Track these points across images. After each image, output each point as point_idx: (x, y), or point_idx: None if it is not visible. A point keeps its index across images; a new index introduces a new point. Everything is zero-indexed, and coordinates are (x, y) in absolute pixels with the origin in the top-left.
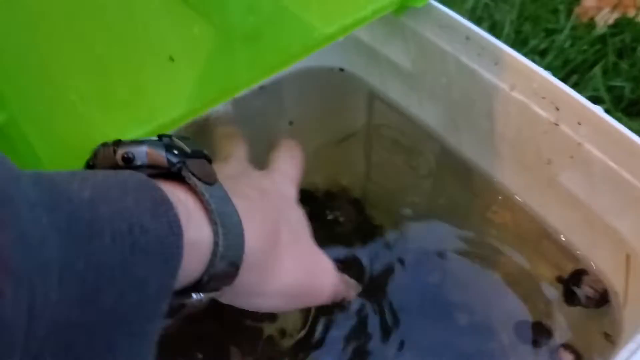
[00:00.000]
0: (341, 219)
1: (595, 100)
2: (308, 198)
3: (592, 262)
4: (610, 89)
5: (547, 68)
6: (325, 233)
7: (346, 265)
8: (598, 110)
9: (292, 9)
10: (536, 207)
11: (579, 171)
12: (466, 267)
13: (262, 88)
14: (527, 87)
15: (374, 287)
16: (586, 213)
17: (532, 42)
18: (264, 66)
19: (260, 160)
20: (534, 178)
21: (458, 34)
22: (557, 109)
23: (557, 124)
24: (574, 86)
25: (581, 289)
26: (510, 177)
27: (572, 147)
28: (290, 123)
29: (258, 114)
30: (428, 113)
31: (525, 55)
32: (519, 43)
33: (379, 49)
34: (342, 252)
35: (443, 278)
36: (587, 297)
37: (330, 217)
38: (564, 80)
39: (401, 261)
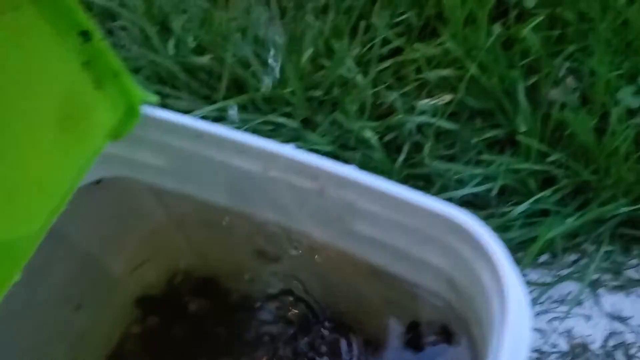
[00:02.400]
0: (197, 308)
1: (394, 53)
2: (153, 302)
3: (426, 290)
4: (398, 24)
5: None
6: (194, 330)
7: None
8: (351, 171)
9: None
10: (353, 250)
11: (366, 224)
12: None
13: None
14: (278, 166)
15: None
16: (395, 252)
17: None
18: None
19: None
20: (337, 229)
21: (189, 134)
22: (316, 178)
23: (324, 191)
24: (366, 32)
25: (424, 337)
26: (319, 230)
27: (348, 206)
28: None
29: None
30: (213, 195)
31: None
32: None
33: (130, 157)
34: None
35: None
36: (433, 341)
37: (190, 309)
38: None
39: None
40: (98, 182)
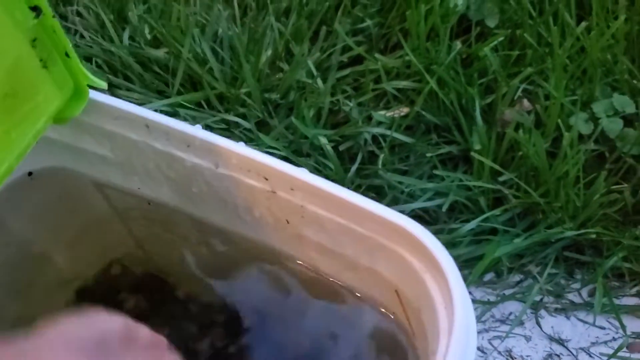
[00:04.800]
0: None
1: (350, 47)
2: (92, 295)
3: (371, 298)
4: (357, 32)
5: None
6: None
7: None
8: (304, 174)
9: None
10: (300, 257)
11: (315, 228)
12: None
13: None
14: (228, 163)
15: None
16: (344, 259)
17: None
18: None
19: None
20: (284, 235)
21: (138, 124)
22: (267, 179)
23: (274, 192)
24: (326, 38)
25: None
26: (264, 236)
27: (298, 209)
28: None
29: None
30: (158, 192)
31: None
32: None
33: (75, 145)
34: None
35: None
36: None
37: (127, 307)
38: None
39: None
40: (32, 172)
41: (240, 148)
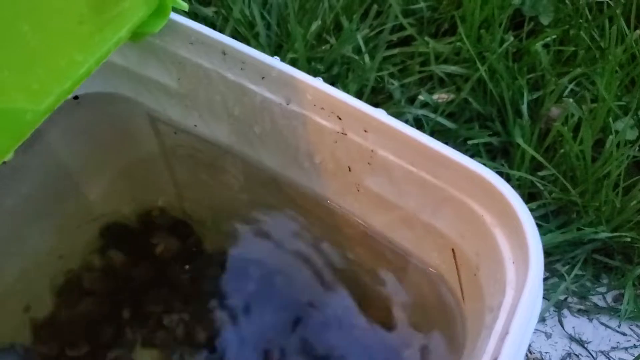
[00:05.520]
0: (163, 250)
1: (400, 27)
2: (121, 234)
3: (421, 259)
4: (409, 13)
5: None
6: (154, 273)
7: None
8: (381, 114)
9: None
10: (353, 210)
11: (380, 176)
12: (303, 274)
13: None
14: (302, 99)
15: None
16: (401, 213)
17: None
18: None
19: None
20: (341, 184)
21: (214, 50)
22: (340, 118)
23: (344, 133)
24: (376, 17)
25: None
26: (319, 185)
27: (367, 154)
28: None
29: (26, 170)
30: (215, 130)
31: None
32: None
33: (138, 71)
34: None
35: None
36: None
37: (157, 250)
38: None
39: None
40: (79, 96)
41: (317, 83)
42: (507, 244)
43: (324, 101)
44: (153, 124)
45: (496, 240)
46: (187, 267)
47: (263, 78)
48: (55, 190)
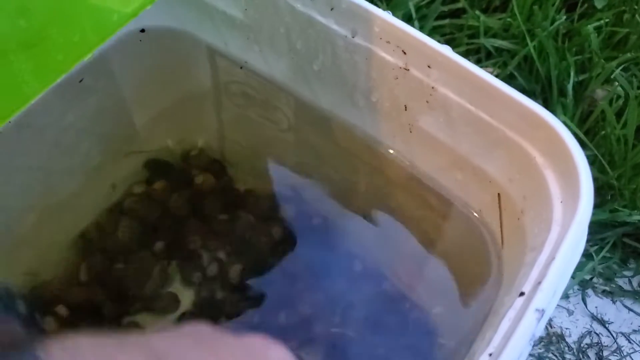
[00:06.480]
0: (202, 183)
1: (451, 14)
2: (164, 168)
3: (465, 203)
4: None
5: None
6: (193, 206)
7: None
8: (447, 50)
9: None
10: (402, 152)
11: (437, 116)
12: (347, 215)
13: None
14: (369, 32)
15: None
16: (452, 156)
17: None
18: (57, 68)
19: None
20: (394, 124)
21: None
22: (405, 52)
23: (407, 69)
24: None
25: None
26: (370, 125)
27: (427, 91)
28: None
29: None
30: (273, 65)
31: None
32: None
33: (205, 1)
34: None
35: (328, 232)
36: None
37: (196, 182)
38: None
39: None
40: (145, 29)
41: (386, 15)
42: (556, 184)
43: (390, 34)
44: (211, 59)
45: (546, 181)
46: (221, 205)
47: (332, 9)
48: (112, 115)
